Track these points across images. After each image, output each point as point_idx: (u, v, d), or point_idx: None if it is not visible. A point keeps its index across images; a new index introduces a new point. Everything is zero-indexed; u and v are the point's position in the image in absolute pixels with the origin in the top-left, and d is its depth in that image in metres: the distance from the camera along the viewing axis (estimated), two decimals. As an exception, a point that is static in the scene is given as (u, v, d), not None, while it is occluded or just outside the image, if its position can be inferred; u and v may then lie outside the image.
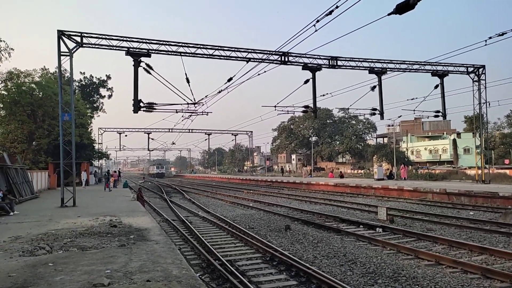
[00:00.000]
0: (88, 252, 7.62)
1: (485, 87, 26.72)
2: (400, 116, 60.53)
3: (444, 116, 26.07)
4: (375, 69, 23.50)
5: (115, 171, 32.58)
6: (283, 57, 21.48)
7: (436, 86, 25.28)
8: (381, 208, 15.02)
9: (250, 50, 21.15)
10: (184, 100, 20.65)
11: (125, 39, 18.86)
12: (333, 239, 11.57)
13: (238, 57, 21.07)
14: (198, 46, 20.32)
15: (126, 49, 18.80)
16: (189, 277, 5.86)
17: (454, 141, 65.42)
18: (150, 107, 19.87)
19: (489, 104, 33.35)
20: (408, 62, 24.56)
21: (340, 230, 12.61)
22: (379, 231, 12.54)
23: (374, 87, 23.74)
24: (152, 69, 19.13)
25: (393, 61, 24.13)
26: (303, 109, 24.59)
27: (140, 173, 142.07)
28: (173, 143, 65.26)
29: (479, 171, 28.73)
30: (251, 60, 21.11)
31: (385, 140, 78.43)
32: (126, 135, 57.96)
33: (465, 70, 26.41)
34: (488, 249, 9.38)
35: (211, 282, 7.60)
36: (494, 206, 18.01)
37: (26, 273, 6.11)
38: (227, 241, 11.65)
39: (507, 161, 55.03)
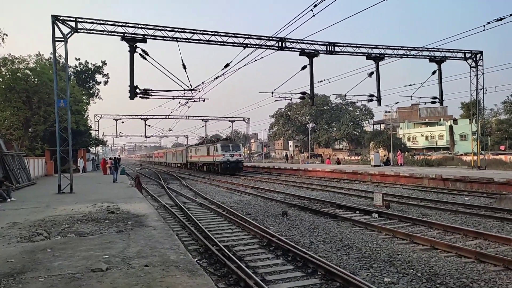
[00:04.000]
0: (86, 238, 7.66)
1: (483, 73, 26.70)
2: (398, 102, 61.05)
3: (441, 102, 26.06)
4: (373, 55, 23.38)
5: (110, 158, 31.82)
6: (280, 43, 21.31)
7: (434, 72, 25.23)
8: (377, 194, 15.12)
9: (247, 36, 20.95)
10: (181, 86, 20.54)
11: (120, 24, 18.62)
12: (329, 224, 11.67)
13: (235, 43, 20.88)
14: (195, 31, 20.11)
15: (122, 34, 18.57)
16: (187, 262, 5.91)
17: (451, 127, 65.61)
18: (146, 93, 19.75)
19: (486, 90, 33.39)
20: (406, 48, 24.44)
21: (336, 216, 12.71)
22: (375, 216, 12.66)
23: (372, 73, 23.67)
24: (148, 55, 18.94)
25: (391, 47, 24.00)
26: (301, 95, 24.51)
27: (139, 160, 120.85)
28: (170, 130, 65.08)
29: (475, 157, 28.90)
30: (248, 46, 20.94)
31: (382, 126, 78.59)
32: (122, 122, 57.69)
33: (463, 56, 26.32)
34: (483, 234, 9.49)
35: (209, 267, 7.67)
36: (489, 191, 18.17)
37: (24, 259, 6.15)
38: (225, 227, 11.73)
39: (502, 147, 55.38)
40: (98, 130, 55.47)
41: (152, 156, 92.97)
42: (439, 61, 25.21)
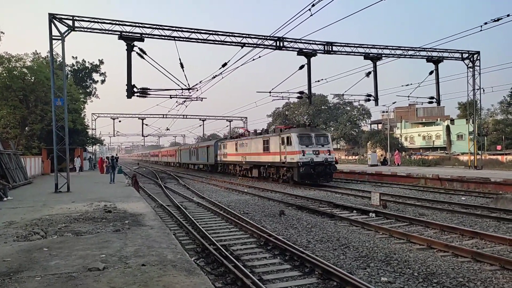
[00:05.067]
0: (83, 237, 7.64)
1: (480, 73, 26.80)
2: (395, 102, 61.13)
3: (438, 102, 26.16)
4: (370, 54, 23.41)
5: (107, 157, 30.95)
6: (278, 42, 21.31)
7: (431, 72, 25.30)
8: (375, 194, 15.15)
9: (245, 35, 20.94)
10: (178, 85, 20.53)
11: (117, 23, 18.58)
12: (326, 224, 11.68)
13: (233, 42, 20.87)
14: (192, 30, 20.08)
15: (119, 33, 18.54)
16: (184, 261, 5.91)
17: (448, 127, 65.81)
18: (144, 92, 19.71)
19: (484, 90, 33.53)
20: (403, 48, 24.49)
21: (333, 215, 12.73)
22: (372, 216, 12.68)
23: (369, 73, 23.70)
24: (146, 54, 18.91)
25: (388, 47, 24.04)
26: (298, 95, 24.57)
27: (139, 159, 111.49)
28: (167, 129, 64.91)
29: (472, 157, 29.00)
30: (246, 45, 20.93)
31: (380, 126, 78.71)
32: (120, 121, 57.41)
33: (460, 56, 26.41)
34: (479, 233, 9.52)
35: (206, 266, 7.67)
36: (486, 191, 18.23)
37: (21, 258, 6.13)
38: (222, 226, 11.72)
39: (499, 147, 55.58)
40: (95, 129, 55.30)
41: (158, 155, 79.30)
42: (436, 61, 25.29)
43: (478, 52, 26.60)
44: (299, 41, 21.66)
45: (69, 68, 46.77)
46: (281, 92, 25.27)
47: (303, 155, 22.74)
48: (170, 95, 21.96)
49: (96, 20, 18.22)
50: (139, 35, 18.90)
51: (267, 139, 27.12)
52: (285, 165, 24.37)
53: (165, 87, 20.74)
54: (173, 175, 37.95)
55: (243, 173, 32.11)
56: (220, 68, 21.10)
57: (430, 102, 26.31)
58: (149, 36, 19.26)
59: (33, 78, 30.34)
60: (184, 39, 20.02)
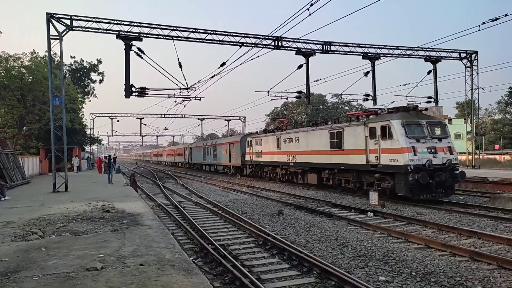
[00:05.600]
0: (81, 237, 7.63)
1: (477, 73, 26.92)
2: (393, 102, 61.04)
3: (436, 102, 26.21)
4: (369, 54, 23.45)
5: (106, 157, 30.30)
6: (276, 41, 21.32)
7: (429, 72, 25.34)
8: (373, 193, 15.15)
9: (243, 35, 20.94)
10: (177, 85, 20.49)
11: (116, 22, 18.56)
12: (325, 223, 11.69)
13: (231, 42, 20.86)
14: (190, 30, 20.07)
15: (117, 32, 18.51)
16: (182, 261, 5.91)
17: (446, 127, 65.95)
18: (142, 92, 19.68)
19: (484, 89, 33.66)
20: (401, 48, 24.52)
21: (332, 215, 12.74)
22: (370, 215, 12.71)
23: (368, 72, 23.75)
24: (144, 53, 18.89)
25: (387, 47, 24.07)
26: (296, 94, 24.54)
27: (139, 159, 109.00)
28: (166, 129, 64.93)
29: (470, 157, 29.07)
30: (244, 44, 20.93)
31: (378, 126, 78.66)
32: (118, 120, 57.28)
33: (458, 56, 26.49)
34: (477, 233, 9.55)
35: (204, 266, 7.66)
36: (484, 191, 18.28)
37: (18, 258, 6.12)
38: (220, 226, 11.72)
39: (497, 147, 55.76)
40: (93, 129, 55.23)
41: (163, 155, 73.07)
42: (434, 61, 25.34)
43: (476, 52, 26.69)
44: (298, 40, 21.67)
45: (67, 68, 46.72)
46: (280, 92, 25.28)
47: (414, 154, 14.63)
48: (169, 95, 21.94)
49: (94, 19, 18.19)
50: (137, 34, 18.87)
51: (338, 130, 18.77)
52: (379, 170, 15.96)
53: (163, 86, 20.75)
54: (172, 174, 37.94)
55: (289, 178, 24.75)
56: (219, 67, 21.11)
57: (428, 102, 26.33)
58: (147, 35, 19.24)
59: (31, 77, 30.30)
60: (182, 39, 20.01)
